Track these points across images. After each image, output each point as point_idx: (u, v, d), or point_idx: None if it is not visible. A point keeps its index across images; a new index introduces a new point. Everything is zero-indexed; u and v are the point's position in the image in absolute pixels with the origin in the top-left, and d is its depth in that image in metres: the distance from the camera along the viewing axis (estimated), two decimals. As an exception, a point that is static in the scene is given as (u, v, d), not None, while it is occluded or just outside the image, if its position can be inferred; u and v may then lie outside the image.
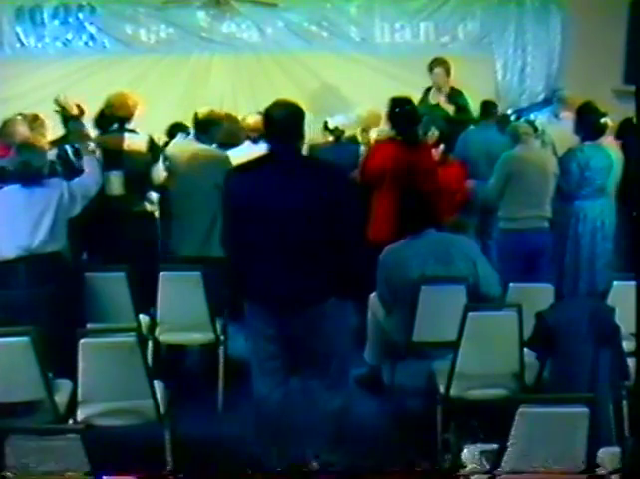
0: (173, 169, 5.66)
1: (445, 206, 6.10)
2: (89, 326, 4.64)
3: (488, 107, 7.51)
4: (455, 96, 8.01)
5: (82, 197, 4.78)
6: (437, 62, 8.12)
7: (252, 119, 6.54)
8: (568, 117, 7.27)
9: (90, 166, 5.02)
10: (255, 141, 6.22)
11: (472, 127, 7.43)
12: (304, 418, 4.15)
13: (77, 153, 5.39)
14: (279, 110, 3.97)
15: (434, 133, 6.54)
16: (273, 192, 3.86)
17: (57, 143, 5.64)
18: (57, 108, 5.77)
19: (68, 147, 5.52)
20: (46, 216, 4.57)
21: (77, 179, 4.91)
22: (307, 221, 3.85)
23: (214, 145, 5.81)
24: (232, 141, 6.16)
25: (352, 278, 4.00)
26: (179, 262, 5.47)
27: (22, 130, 5.58)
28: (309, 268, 3.89)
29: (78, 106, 5.70)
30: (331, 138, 6.75)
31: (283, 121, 3.93)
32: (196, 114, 5.72)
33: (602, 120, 6.16)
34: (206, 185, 5.49)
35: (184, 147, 5.74)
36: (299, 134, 3.99)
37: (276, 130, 3.94)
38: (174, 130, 6.54)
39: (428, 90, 8.13)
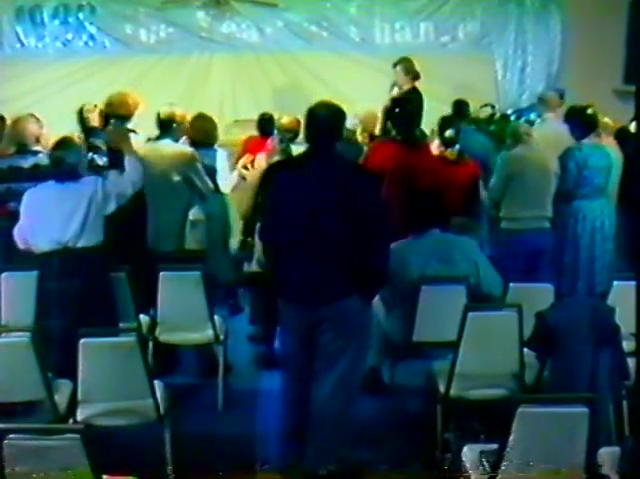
0: (143, 169, 5.65)
1: (459, 205, 6.11)
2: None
3: (460, 106, 7.51)
4: (406, 93, 7.99)
5: (117, 195, 4.81)
6: (398, 60, 8.12)
7: (287, 119, 6.58)
8: (552, 118, 7.31)
9: (129, 165, 5.04)
10: (290, 140, 6.22)
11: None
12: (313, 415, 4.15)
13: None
14: (323, 110, 4.09)
15: (447, 132, 6.53)
16: (310, 188, 3.98)
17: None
18: (80, 116, 5.80)
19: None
20: (77, 211, 4.62)
21: (113, 177, 4.94)
22: (339, 218, 3.94)
23: (180, 142, 5.83)
24: (207, 140, 6.15)
25: (375, 278, 4.10)
26: (156, 258, 5.45)
27: (32, 128, 5.58)
28: (338, 263, 3.97)
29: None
30: None
31: (327, 120, 4.05)
32: (158, 113, 5.73)
33: (589, 111, 6.13)
34: (176, 180, 5.54)
35: (151, 146, 5.73)
36: (339, 134, 4.12)
37: (319, 129, 4.06)
38: None
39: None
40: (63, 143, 4.85)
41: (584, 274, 6.07)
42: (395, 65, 8.12)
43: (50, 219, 4.62)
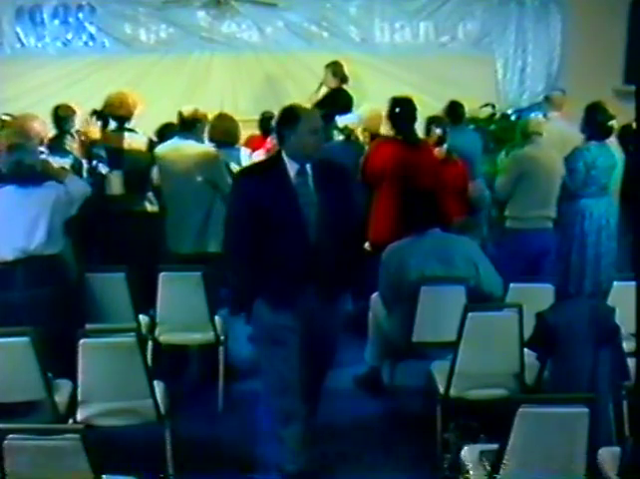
0: (165, 168, 5.66)
1: (454, 204, 6.09)
2: (87, 326, 4.60)
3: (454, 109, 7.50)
4: (331, 91, 8.31)
5: (79, 197, 4.74)
6: (329, 64, 8.43)
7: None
8: (557, 117, 7.30)
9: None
10: None
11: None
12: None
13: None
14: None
15: (435, 132, 6.53)
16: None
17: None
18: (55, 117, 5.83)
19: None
20: (42, 217, 4.49)
21: (74, 179, 4.90)
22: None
23: (206, 142, 5.85)
24: (229, 140, 6.16)
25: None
26: (175, 260, 5.47)
27: (36, 126, 5.56)
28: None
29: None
30: (341, 137, 6.76)
31: None
32: (180, 113, 5.72)
33: (610, 122, 6.12)
34: (198, 181, 5.53)
35: (173, 146, 5.73)
36: None
37: None
38: (165, 131, 6.49)
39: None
40: (18, 146, 4.70)
41: (591, 272, 6.08)
42: (326, 67, 8.41)
43: (13, 226, 4.46)
